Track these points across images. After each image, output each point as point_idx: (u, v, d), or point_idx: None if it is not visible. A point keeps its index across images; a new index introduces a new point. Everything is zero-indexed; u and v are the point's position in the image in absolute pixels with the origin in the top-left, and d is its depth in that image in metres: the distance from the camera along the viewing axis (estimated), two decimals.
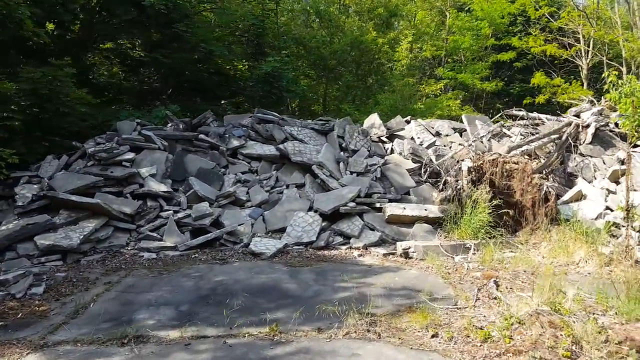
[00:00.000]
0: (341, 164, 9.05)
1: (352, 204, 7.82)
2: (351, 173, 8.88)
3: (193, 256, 6.57)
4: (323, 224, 7.53)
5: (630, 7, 16.99)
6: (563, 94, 14.76)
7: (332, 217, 7.74)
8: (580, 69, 18.48)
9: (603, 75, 10.25)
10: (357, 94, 15.60)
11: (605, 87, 10.52)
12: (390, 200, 8.20)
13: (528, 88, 17.68)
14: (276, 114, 10.13)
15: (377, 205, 8.01)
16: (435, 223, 7.79)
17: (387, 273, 5.94)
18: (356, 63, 15.12)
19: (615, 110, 9.54)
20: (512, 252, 6.84)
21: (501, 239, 7.08)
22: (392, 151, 9.80)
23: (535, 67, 18.07)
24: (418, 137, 10.33)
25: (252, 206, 7.94)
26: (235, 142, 9.13)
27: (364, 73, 15.56)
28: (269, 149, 9.03)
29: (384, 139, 10.23)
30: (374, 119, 11.11)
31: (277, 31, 14.93)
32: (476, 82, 17.58)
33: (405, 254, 6.72)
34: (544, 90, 15.83)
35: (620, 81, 9.52)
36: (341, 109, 14.16)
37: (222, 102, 14.95)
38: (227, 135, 9.34)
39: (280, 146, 8.93)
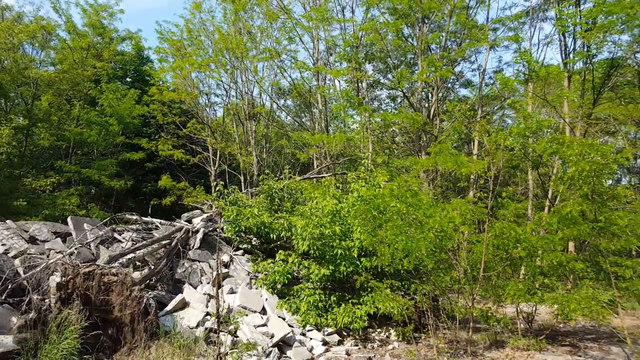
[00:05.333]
0: None
1: None
2: None
3: None
4: None
5: (244, 128, 21.18)
6: (188, 197, 16.16)
7: None
8: (209, 174, 21.12)
9: (213, 184, 11.89)
10: None
11: (214, 195, 12.18)
12: None
13: (160, 188, 18.58)
14: None
15: None
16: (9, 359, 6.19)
17: None
18: None
19: (222, 216, 10.93)
20: None
21: None
22: None
23: (165, 169, 19.34)
24: (3, 244, 8.53)
25: None
26: None
27: None
28: None
29: None
30: None
31: None
32: (103, 179, 17.06)
33: None
34: (171, 192, 16.93)
35: (225, 190, 11.15)
36: None
37: None
38: None
39: None
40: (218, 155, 20.97)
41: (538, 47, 21.69)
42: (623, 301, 10.26)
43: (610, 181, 25.65)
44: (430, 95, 22.11)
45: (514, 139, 11.33)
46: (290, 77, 21.11)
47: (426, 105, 20.94)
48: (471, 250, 9.04)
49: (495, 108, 26.17)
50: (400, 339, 9.18)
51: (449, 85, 25.25)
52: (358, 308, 8.68)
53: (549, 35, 19.61)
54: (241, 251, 10.36)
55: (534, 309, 9.57)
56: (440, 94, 21.11)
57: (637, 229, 7.91)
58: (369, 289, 8.91)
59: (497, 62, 33.55)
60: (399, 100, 28.05)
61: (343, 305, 8.92)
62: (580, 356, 8.33)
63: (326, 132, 19.35)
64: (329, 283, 9.69)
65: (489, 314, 8.75)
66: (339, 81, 20.92)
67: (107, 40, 23.12)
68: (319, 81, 20.34)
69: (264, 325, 8.08)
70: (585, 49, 14.53)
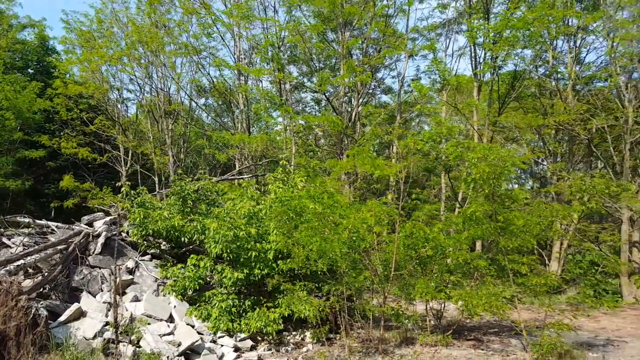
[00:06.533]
0: None
1: None
2: None
3: None
4: None
5: (159, 126, 20.29)
6: (94, 198, 15.12)
7: None
8: (120, 174, 19.94)
9: (119, 184, 11.20)
10: None
11: (120, 196, 11.50)
12: None
13: (63, 189, 17.20)
14: None
15: None
16: None
17: None
18: None
19: (128, 219, 10.30)
20: None
21: None
22: None
23: (69, 169, 18.01)
24: None
25: None
26: None
27: None
28: None
29: None
30: None
31: None
32: None
33: None
34: (74, 193, 15.79)
35: (132, 192, 10.54)
36: None
37: None
38: None
39: None
40: (130, 154, 19.89)
41: (452, 58, 23.08)
42: (523, 296, 11.11)
43: (517, 185, 27.95)
44: (353, 99, 22.67)
45: (426, 143, 11.92)
46: (210, 74, 20.57)
47: (349, 109, 21.43)
48: (384, 250, 9.29)
49: (414, 114, 27.44)
50: (315, 341, 9.19)
51: (371, 90, 26.04)
52: (273, 312, 8.57)
53: (461, 47, 20.90)
54: (148, 256, 9.82)
55: (442, 305, 10.04)
56: (362, 99, 21.68)
57: (532, 229, 8.59)
58: (285, 292, 8.84)
59: (416, 70, 35.07)
60: (323, 104, 28.40)
61: (257, 309, 8.76)
62: (482, 350, 8.85)
63: (248, 132, 19.08)
64: (244, 287, 9.49)
65: (399, 312, 9.03)
66: (261, 81, 20.76)
67: (5, 27, 21.14)
68: (241, 80, 20.03)
69: (171, 333, 7.71)
70: (492, 61, 15.65)
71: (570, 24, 16.80)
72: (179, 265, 9.30)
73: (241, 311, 8.85)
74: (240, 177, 15.52)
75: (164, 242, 10.21)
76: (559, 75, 18.73)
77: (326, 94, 20.47)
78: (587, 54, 18.86)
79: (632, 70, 15.04)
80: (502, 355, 8.46)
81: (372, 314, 8.84)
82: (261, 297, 9.28)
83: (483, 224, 8.61)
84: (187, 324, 8.16)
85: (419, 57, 22.91)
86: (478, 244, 15.64)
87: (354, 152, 12.03)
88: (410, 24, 28.13)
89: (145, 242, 9.88)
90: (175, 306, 8.54)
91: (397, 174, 9.67)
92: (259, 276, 8.90)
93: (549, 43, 17.54)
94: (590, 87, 18.87)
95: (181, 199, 10.35)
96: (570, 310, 9.03)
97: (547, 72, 18.50)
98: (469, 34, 15.84)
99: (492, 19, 16.99)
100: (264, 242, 9.29)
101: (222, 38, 18.93)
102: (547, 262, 17.49)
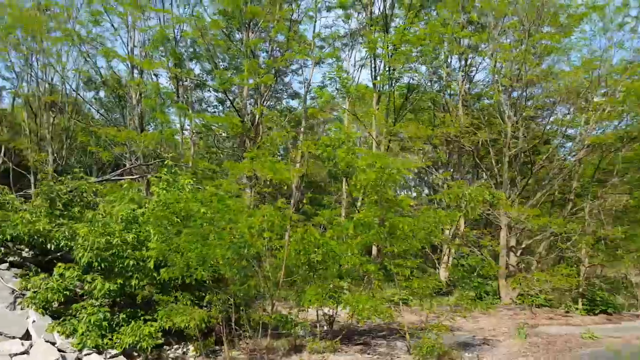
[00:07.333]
0: None
1: None
2: None
3: None
4: None
5: (39, 120, 18.25)
6: None
7: None
8: None
9: None
10: None
11: None
12: None
13: None
14: None
15: None
16: None
17: None
18: None
19: None
20: None
21: None
22: None
23: None
24: None
25: None
26: None
27: None
28: None
29: None
30: None
31: None
32: None
33: None
34: None
35: None
36: None
37: None
38: None
39: None
40: (2, 150, 17.67)
41: (355, 68, 23.68)
42: (413, 299, 11.50)
43: (415, 193, 29.43)
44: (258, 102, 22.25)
45: (325, 149, 11.91)
46: (96, 64, 18.91)
47: (255, 111, 20.98)
48: (276, 256, 9.06)
49: (320, 120, 27.73)
50: (198, 354, 8.67)
51: (277, 94, 25.84)
52: (150, 325, 7.90)
53: (363, 58, 21.55)
54: (6, 265, 8.62)
55: (334, 311, 10.04)
56: (266, 102, 21.36)
57: (417, 233, 8.90)
58: (166, 303, 8.23)
59: (322, 77, 35.55)
60: (227, 104, 27.59)
61: (133, 322, 8.03)
62: (369, 354, 8.96)
63: (141, 130, 17.81)
64: (120, 299, 8.66)
65: (287, 319, 8.84)
66: (158, 76, 19.56)
67: None
68: (134, 74, 18.69)
69: (25, 352, 6.78)
70: (389, 73, 16.28)
71: (462, 44, 18.05)
72: (42, 275, 8.26)
73: (114, 325, 8.05)
74: (127, 177, 14.40)
75: (26, 249, 9.04)
76: (451, 91, 20.04)
77: (229, 94, 19.85)
78: (476, 73, 20.47)
79: (512, 90, 16.50)
80: (387, 358, 8.63)
81: (262, 323, 8.55)
82: (139, 310, 8.53)
83: (373, 229, 8.75)
84: (48, 341, 7.24)
85: (325, 64, 23.21)
86: (374, 249, 16.03)
87: (251, 155, 11.67)
88: (317, 30, 28.50)
89: (2, 249, 8.66)
90: (34, 321, 7.54)
91: (292, 178, 9.51)
92: (137, 287, 8.18)
93: (443, 60, 18.69)
94: (477, 103, 20.45)
95: (49, 201, 9.24)
96: (451, 312, 9.52)
97: (442, 87, 19.70)
98: (369, 46, 16.36)
99: (391, 32, 17.72)
100: (144, 249, 8.59)
101: (114, 28, 17.56)
102: (437, 265, 18.48)
